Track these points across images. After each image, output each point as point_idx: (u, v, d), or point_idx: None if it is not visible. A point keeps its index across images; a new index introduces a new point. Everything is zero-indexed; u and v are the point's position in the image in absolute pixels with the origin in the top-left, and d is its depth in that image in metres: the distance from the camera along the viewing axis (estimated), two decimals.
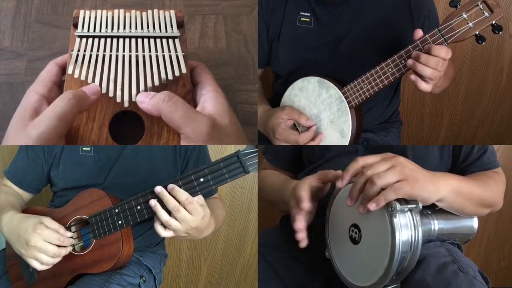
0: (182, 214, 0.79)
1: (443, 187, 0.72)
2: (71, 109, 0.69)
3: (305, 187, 0.77)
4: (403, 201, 0.68)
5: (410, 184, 0.67)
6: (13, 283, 0.96)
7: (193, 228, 0.81)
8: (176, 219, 0.79)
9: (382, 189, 0.67)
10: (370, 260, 0.70)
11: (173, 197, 0.79)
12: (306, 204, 0.75)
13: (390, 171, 0.68)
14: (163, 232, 0.81)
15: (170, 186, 0.79)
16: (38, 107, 0.71)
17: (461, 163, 0.89)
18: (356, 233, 0.73)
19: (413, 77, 0.90)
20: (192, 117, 0.71)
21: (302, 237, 0.76)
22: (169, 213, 0.80)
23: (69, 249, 0.87)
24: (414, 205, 0.68)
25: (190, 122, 0.70)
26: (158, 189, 0.79)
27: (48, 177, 1.06)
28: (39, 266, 0.84)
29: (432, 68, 0.86)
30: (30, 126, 0.68)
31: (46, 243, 0.83)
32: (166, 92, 0.72)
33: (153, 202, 0.80)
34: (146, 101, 0.72)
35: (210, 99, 0.76)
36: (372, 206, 0.66)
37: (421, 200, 0.68)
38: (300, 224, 0.75)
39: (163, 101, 0.71)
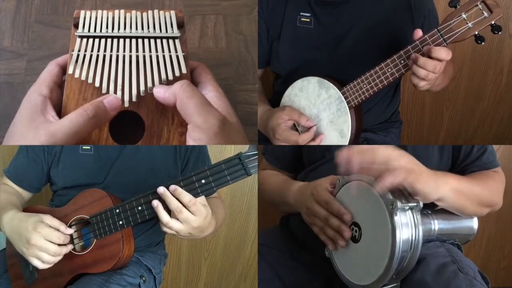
0: (185, 215, 0.78)
1: (443, 186, 0.72)
2: (89, 128, 0.69)
3: (328, 193, 0.78)
4: (404, 199, 0.68)
5: (416, 176, 0.68)
6: (13, 282, 0.96)
7: (195, 228, 0.81)
8: (178, 219, 0.79)
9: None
10: (370, 259, 0.71)
11: (176, 198, 0.78)
12: (349, 216, 0.75)
13: (401, 156, 0.70)
14: (167, 230, 0.81)
15: (172, 187, 0.78)
16: (44, 108, 0.71)
17: (461, 162, 0.90)
18: (356, 231, 0.73)
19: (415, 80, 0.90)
20: (207, 108, 0.70)
21: (343, 245, 0.75)
22: (170, 213, 0.80)
23: (70, 247, 0.87)
24: (415, 204, 0.68)
25: (204, 112, 0.70)
26: (161, 190, 0.79)
27: (48, 176, 1.06)
28: (40, 265, 0.85)
29: (430, 71, 0.87)
30: (44, 132, 0.67)
31: (47, 241, 0.83)
32: (185, 80, 0.72)
33: (156, 203, 0.79)
34: (163, 91, 0.72)
35: (213, 99, 0.76)
36: (381, 183, 0.68)
37: (422, 197, 0.69)
38: (349, 233, 0.75)
39: (181, 87, 0.71)
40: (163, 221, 0.79)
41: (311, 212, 0.80)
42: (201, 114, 0.69)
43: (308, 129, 1.04)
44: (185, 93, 0.70)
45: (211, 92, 0.77)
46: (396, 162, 0.69)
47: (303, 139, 1.01)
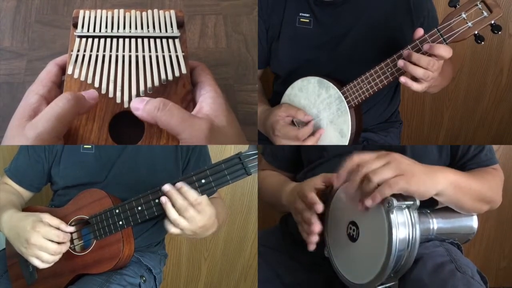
0: (191, 213, 0.78)
1: (441, 180, 0.72)
2: (69, 110, 0.69)
3: (312, 189, 0.77)
4: (401, 197, 0.68)
5: (406, 179, 0.67)
6: (13, 282, 0.96)
7: (200, 227, 0.81)
8: (184, 218, 0.79)
9: (379, 185, 0.67)
10: (368, 258, 0.71)
11: (181, 196, 0.78)
12: (320, 206, 0.74)
13: (385, 167, 0.68)
14: (172, 229, 0.80)
15: (179, 184, 0.78)
16: (37, 107, 0.71)
17: (459, 160, 0.89)
18: (354, 230, 0.73)
19: (403, 79, 0.90)
20: (188, 122, 0.71)
21: (316, 241, 0.75)
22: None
23: (68, 245, 0.87)
24: (411, 202, 0.68)
25: (187, 128, 0.70)
26: (167, 187, 0.79)
27: (49, 175, 1.06)
28: (40, 264, 0.85)
29: (424, 68, 0.87)
30: (28, 126, 0.68)
31: (46, 240, 0.83)
32: (160, 99, 0.71)
33: (164, 199, 0.79)
34: (141, 108, 0.71)
35: (208, 100, 0.76)
36: (368, 202, 0.67)
37: (418, 195, 0.68)
38: (318, 226, 0.75)
39: (157, 110, 0.70)
40: (171, 218, 0.79)
41: (295, 209, 0.80)
42: (185, 131, 0.70)
43: (306, 123, 1.03)
44: (163, 115, 0.70)
45: (208, 92, 0.77)
46: (382, 179, 0.68)
47: (302, 133, 1.01)
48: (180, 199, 0.78)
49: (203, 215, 0.80)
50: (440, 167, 0.75)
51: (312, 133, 1.02)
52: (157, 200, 0.81)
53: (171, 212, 0.79)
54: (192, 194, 0.78)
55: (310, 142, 1.01)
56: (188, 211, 0.78)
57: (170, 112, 0.71)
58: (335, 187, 0.77)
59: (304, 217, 0.76)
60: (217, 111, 0.75)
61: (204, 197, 0.80)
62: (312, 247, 0.76)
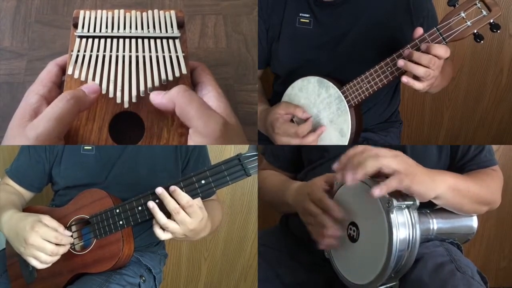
0: (182, 216, 0.79)
1: (440, 184, 0.72)
2: (69, 110, 0.69)
3: (324, 192, 0.77)
4: (401, 197, 0.68)
5: (409, 178, 0.67)
6: (13, 282, 0.96)
7: (191, 230, 0.82)
8: (175, 221, 0.80)
9: (374, 179, 0.67)
10: (368, 258, 0.71)
11: (174, 199, 0.79)
12: (339, 213, 0.74)
13: (394, 158, 0.68)
14: (162, 235, 0.81)
15: (172, 188, 0.79)
16: (38, 108, 0.71)
17: (459, 161, 0.90)
18: (354, 231, 0.73)
19: (404, 79, 0.90)
20: (206, 111, 0.70)
21: (333, 244, 0.75)
22: (168, 214, 0.80)
23: (68, 247, 0.87)
24: (411, 202, 0.68)
25: (204, 116, 0.70)
26: (159, 190, 0.79)
27: (49, 175, 1.07)
28: (38, 265, 0.85)
29: (425, 66, 0.87)
30: (29, 127, 0.68)
31: (44, 241, 0.83)
32: (182, 85, 0.72)
33: (151, 204, 0.80)
34: (160, 97, 0.72)
35: (213, 99, 0.76)
36: (376, 191, 0.66)
37: (418, 196, 0.68)
38: (336, 232, 0.74)
39: (178, 93, 0.70)
40: (160, 222, 0.80)
41: (306, 211, 0.80)
42: (201, 119, 0.69)
43: (305, 121, 1.03)
44: (183, 98, 0.70)
45: (210, 92, 0.77)
46: (389, 167, 0.67)
47: (301, 130, 1.00)
48: (172, 202, 0.79)
49: (195, 218, 0.81)
50: (439, 170, 0.76)
51: (313, 130, 1.02)
52: (157, 201, 0.81)
53: (160, 216, 0.80)
54: (183, 197, 0.79)
55: (311, 138, 1.00)
56: (179, 213, 0.79)
57: (190, 97, 0.70)
58: (335, 187, 0.77)
59: (320, 221, 0.76)
60: (226, 110, 0.75)
61: (196, 200, 0.81)
62: (323, 247, 0.77)
